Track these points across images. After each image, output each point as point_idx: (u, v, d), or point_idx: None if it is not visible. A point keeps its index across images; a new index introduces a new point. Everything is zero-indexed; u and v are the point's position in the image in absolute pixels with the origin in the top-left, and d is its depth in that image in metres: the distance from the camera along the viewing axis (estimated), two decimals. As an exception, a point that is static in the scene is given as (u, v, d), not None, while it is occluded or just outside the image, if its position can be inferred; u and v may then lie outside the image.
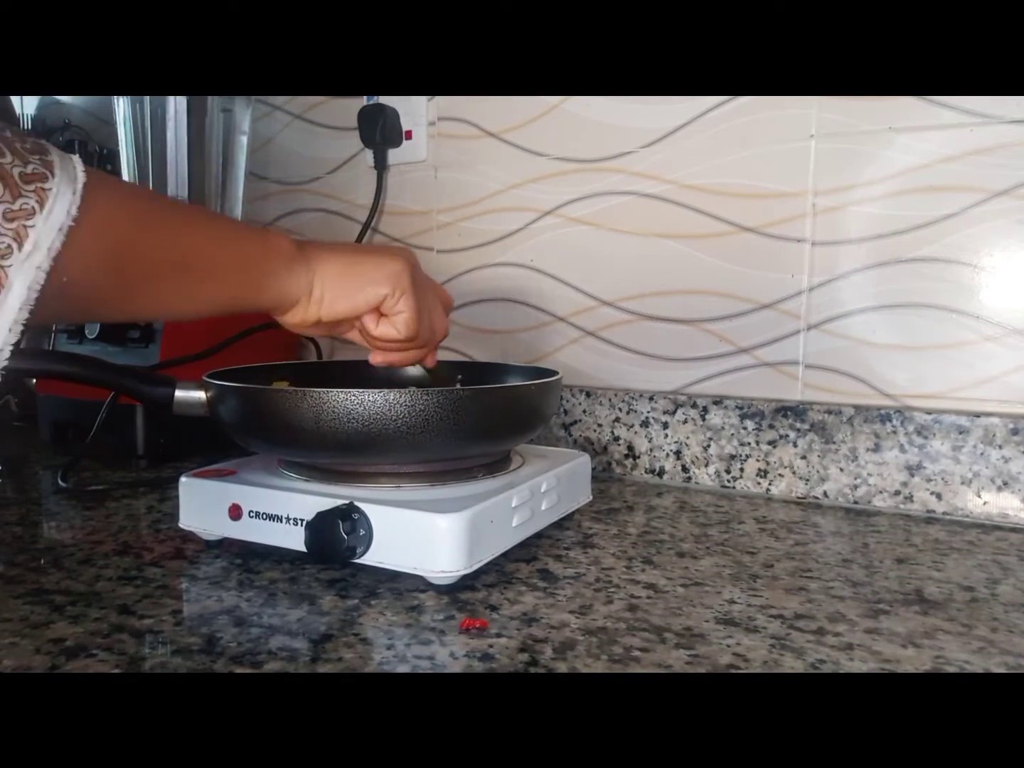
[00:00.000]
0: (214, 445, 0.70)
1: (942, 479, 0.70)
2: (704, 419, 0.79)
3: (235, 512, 0.57)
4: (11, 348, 0.35)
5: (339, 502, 0.52)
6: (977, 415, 0.69)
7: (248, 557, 0.58)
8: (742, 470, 0.78)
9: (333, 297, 0.52)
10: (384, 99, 0.94)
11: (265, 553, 0.58)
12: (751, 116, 0.77)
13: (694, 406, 0.80)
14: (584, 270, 0.87)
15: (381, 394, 0.53)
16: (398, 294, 0.53)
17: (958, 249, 0.70)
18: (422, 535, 0.51)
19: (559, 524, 0.65)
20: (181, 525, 0.60)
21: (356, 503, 0.52)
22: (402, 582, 0.53)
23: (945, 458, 0.70)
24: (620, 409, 0.84)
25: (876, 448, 0.72)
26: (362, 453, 0.55)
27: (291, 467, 0.61)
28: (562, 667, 0.42)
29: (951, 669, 0.42)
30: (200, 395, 0.60)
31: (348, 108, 0.98)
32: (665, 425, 0.81)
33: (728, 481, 0.79)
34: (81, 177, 0.36)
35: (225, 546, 0.60)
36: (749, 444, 0.78)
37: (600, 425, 0.85)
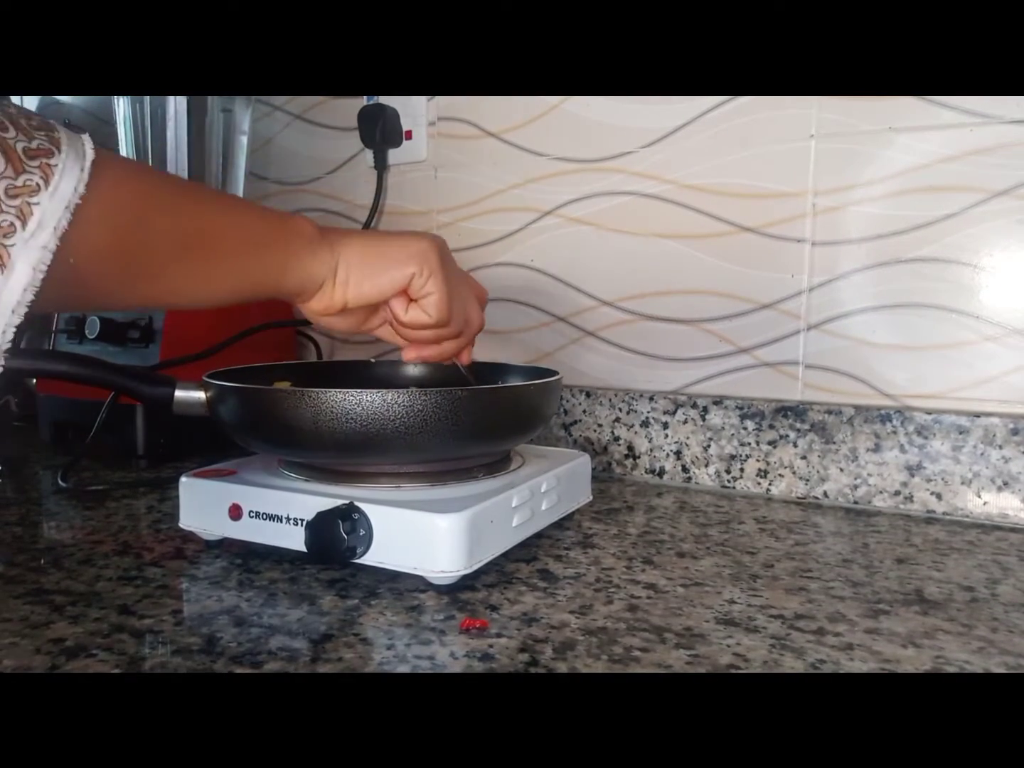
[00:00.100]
0: (214, 445, 0.70)
1: (942, 479, 0.70)
2: (704, 419, 0.79)
3: (235, 512, 0.57)
4: (14, 331, 0.34)
5: (339, 502, 0.52)
6: (977, 415, 0.69)
7: (248, 557, 0.58)
8: (742, 470, 0.78)
9: (359, 278, 0.50)
10: (384, 99, 0.94)
11: (265, 553, 0.58)
12: (751, 116, 0.77)
13: (694, 406, 0.80)
14: (584, 270, 0.87)
15: (379, 394, 0.52)
16: (426, 273, 0.51)
17: (958, 249, 0.70)
18: (422, 535, 0.51)
19: (559, 524, 0.65)
20: (181, 525, 0.60)
21: (356, 503, 0.52)
22: (402, 582, 0.53)
23: (945, 458, 0.70)
24: (620, 409, 0.84)
25: (876, 448, 0.72)
26: (361, 453, 0.55)
27: (291, 467, 0.61)
28: (562, 667, 0.42)
29: (951, 669, 0.42)
30: (200, 395, 0.60)
31: (348, 108, 0.98)
32: (665, 425, 0.81)
33: (728, 481, 0.79)
34: (90, 154, 0.35)
35: (225, 546, 0.60)
36: (749, 444, 0.78)
37: (600, 425, 0.85)
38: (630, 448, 0.83)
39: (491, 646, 0.44)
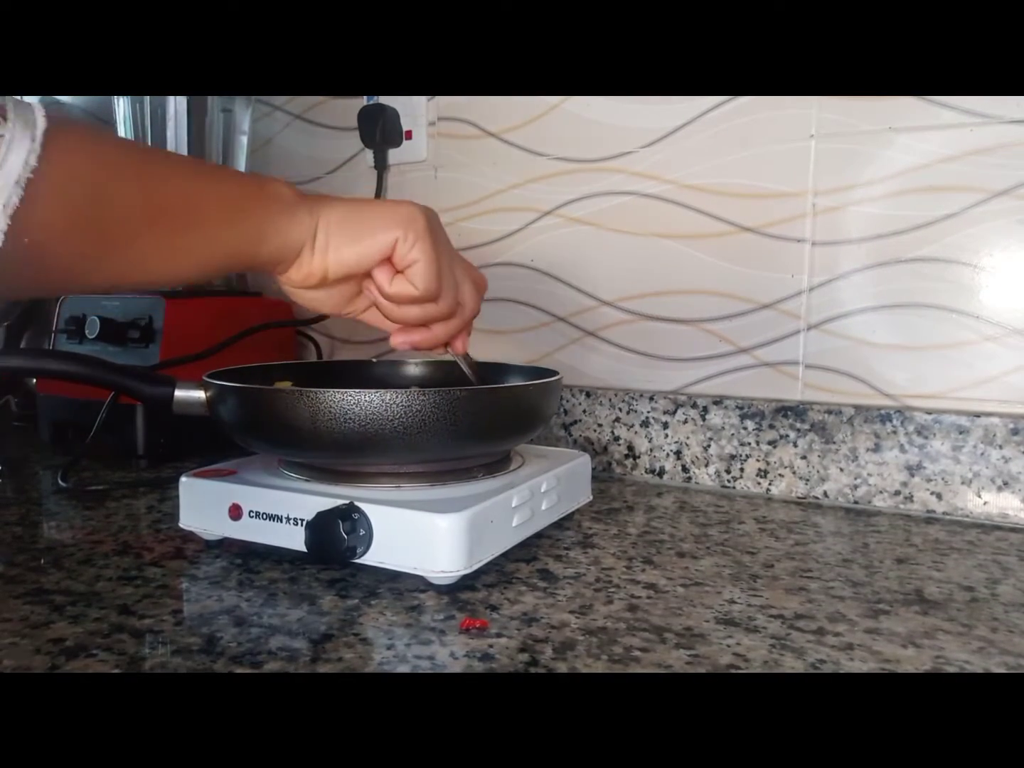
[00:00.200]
0: (214, 445, 0.70)
1: (942, 479, 0.70)
2: (704, 419, 0.79)
3: (235, 512, 0.57)
4: None
5: (339, 502, 0.52)
6: (977, 415, 0.69)
7: (248, 557, 0.58)
8: (742, 470, 0.78)
9: (339, 243, 0.47)
10: (384, 99, 0.94)
11: (265, 553, 0.58)
12: (751, 116, 0.77)
13: (694, 406, 0.80)
14: (584, 270, 0.87)
15: (377, 394, 0.52)
16: (411, 238, 0.48)
17: (958, 249, 0.70)
18: (422, 535, 0.51)
19: (559, 524, 0.65)
20: (181, 525, 0.60)
21: (356, 503, 0.52)
22: (402, 582, 0.53)
23: (945, 458, 0.70)
24: (620, 409, 0.84)
25: (876, 448, 0.72)
26: (360, 453, 0.55)
27: (291, 467, 0.61)
28: (562, 667, 0.42)
29: (951, 669, 0.42)
30: (200, 395, 0.60)
31: (348, 108, 0.98)
32: (665, 425, 0.81)
33: (728, 481, 0.79)
34: (41, 123, 0.32)
35: (225, 546, 0.60)
36: (749, 444, 0.78)
37: (600, 425, 0.85)
38: (630, 448, 0.83)
39: (491, 646, 0.44)
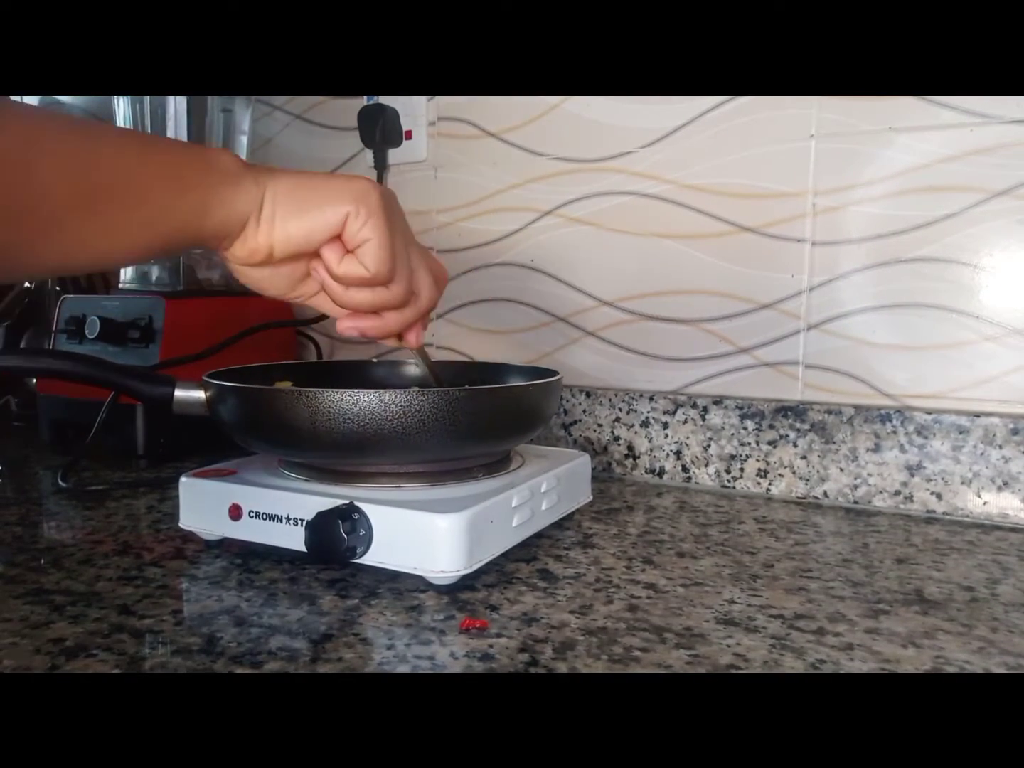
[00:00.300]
0: (214, 445, 0.70)
1: (942, 479, 0.70)
2: (704, 419, 0.79)
3: (235, 512, 0.57)
4: None
5: (339, 502, 0.52)
6: (977, 415, 0.69)
7: (248, 557, 0.58)
8: (742, 470, 0.78)
9: (286, 215, 0.44)
10: (384, 99, 0.94)
11: (265, 553, 0.58)
12: (751, 116, 0.77)
13: (694, 406, 0.80)
14: (584, 270, 0.87)
15: (377, 394, 0.52)
16: (363, 214, 0.44)
17: (958, 249, 0.70)
18: (422, 535, 0.51)
19: (559, 524, 0.65)
20: (181, 525, 0.60)
21: (356, 503, 0.52)
22: (402, 582, 0.53)
23: (945, 458, 0.70)
24: (620, 409, 0.84)
25: (876, 448, 0.72)
26: (359, 453, 0.55)
27: (291, 467, 0.61)
28: (562, 667, 0.42)
29: (951, 669, 0.42)
30: (200, 395, 0.60)
31: (348, 108, 0.98)
32: (665, 425, 0.81)
33: (728, 481, 0.79)
34: None
35: (225, 546, 0.60)
36: (749, 444, 0.78)
37: (600, 425, 0.85)
38: (630, 448, 0.83)
39: (491, 646, 0.44)
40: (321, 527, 0.52)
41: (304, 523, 0.53)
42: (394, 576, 0.53)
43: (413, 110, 0.94)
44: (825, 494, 0.75)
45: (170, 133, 0.92)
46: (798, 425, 0.75)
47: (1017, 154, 0.67)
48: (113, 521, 0.67)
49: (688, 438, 0.80)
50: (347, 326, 0.49)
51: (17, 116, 0.35)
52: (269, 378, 0.68)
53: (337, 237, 0.45)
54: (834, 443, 0.74)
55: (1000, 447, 0.68)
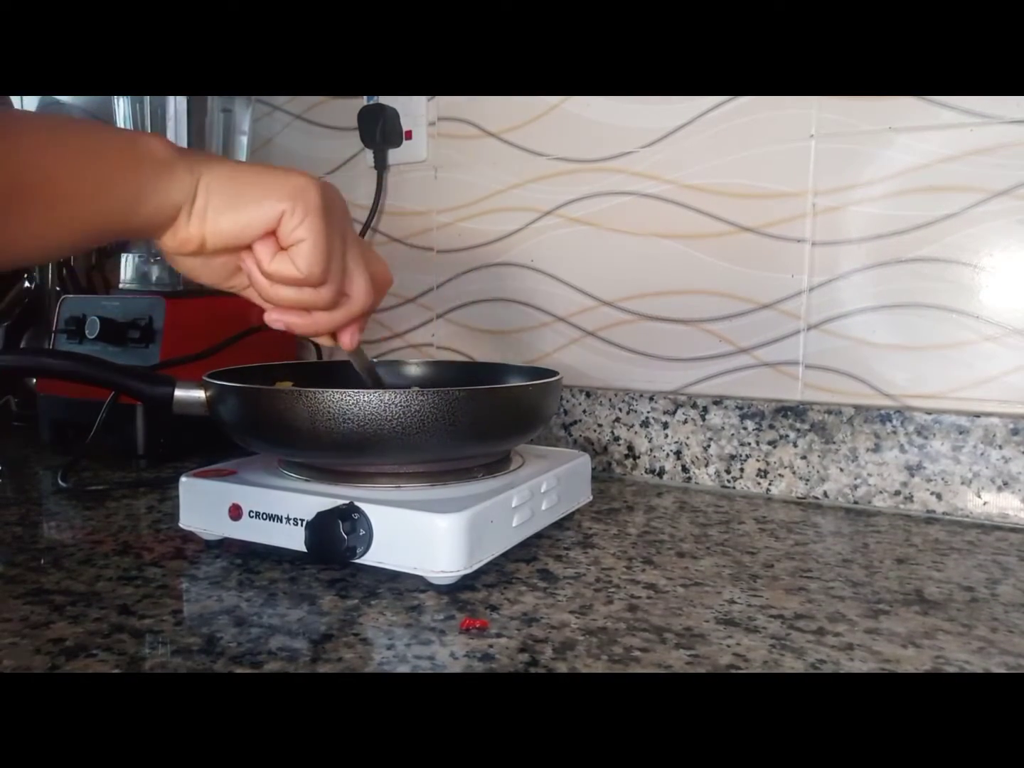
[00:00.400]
0: (214, 445, 0.70)
1: (942, 479, 0.70)
2: (704, 419, 0.79)
3: (235, 512, 0.57)
4: None
5: (339, 502, 0.52)
6: (977, 415, 0.69)
7: (248, 557, 0.58)
8: (742, 470, 0.78)
9: (219, 208, 0.42)
10: (384, 99, 0.94)
11: (265, 553, 0.58)
12: (751, 116, 0.77)
13: (694, 406, 0.80)
14: (584, 270, 0.87)
15: (376, 394, 0.52)
16: (300, 213, 0.42)
17: (958, 249, 0.70)
18: (422, 535, 0.51)
19: (559, 524, 0.65)
20: (181, 525, 0.60)
21: (356, 503, 0.52)
22: (402, 582, 0.53)
23: (945, 458, 0.70)
24: (620, 409, 0.84)
25: (876, 448, 0.72)
26: (359, 453, 0.55)
27: (291, 467, 0.61)
28: (562, 667, 0.42)
29: (951, 669, 0.42)
30: (200, 395, 0.60)
31: (348, 108, 0.98)
32: (665, 425, 0.81)
33: (728, 481, 0.79)
34: None
35: (225, 546, 0.60)
36: (749, 444, 0.78)
37: (600, 425, 0.85)
38: (630, 448, 0.83)
39: (491, 646, 0.44)
40: (321, 527, 0.52)
41: (304, 523, 0.53)
42: (394, 576, 0.53)
43: (413, 110, 0.94)
44: (825, 494, 0.75)
45: (170, 133, 0.92)
46: (798, 425, 0.75)
47: (1017, 154, 0.67)
48: (113, 521, 0.67)
49: (688, 438, 0.80)
50: (274, 319, 0.47)
51: None
52: (269, 378, 0.68)
53: (272, 233, 0.44)
54: (834, 443, 0.74)
55: (1000, 447, 0.68)
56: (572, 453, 0.69)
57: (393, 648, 0.44)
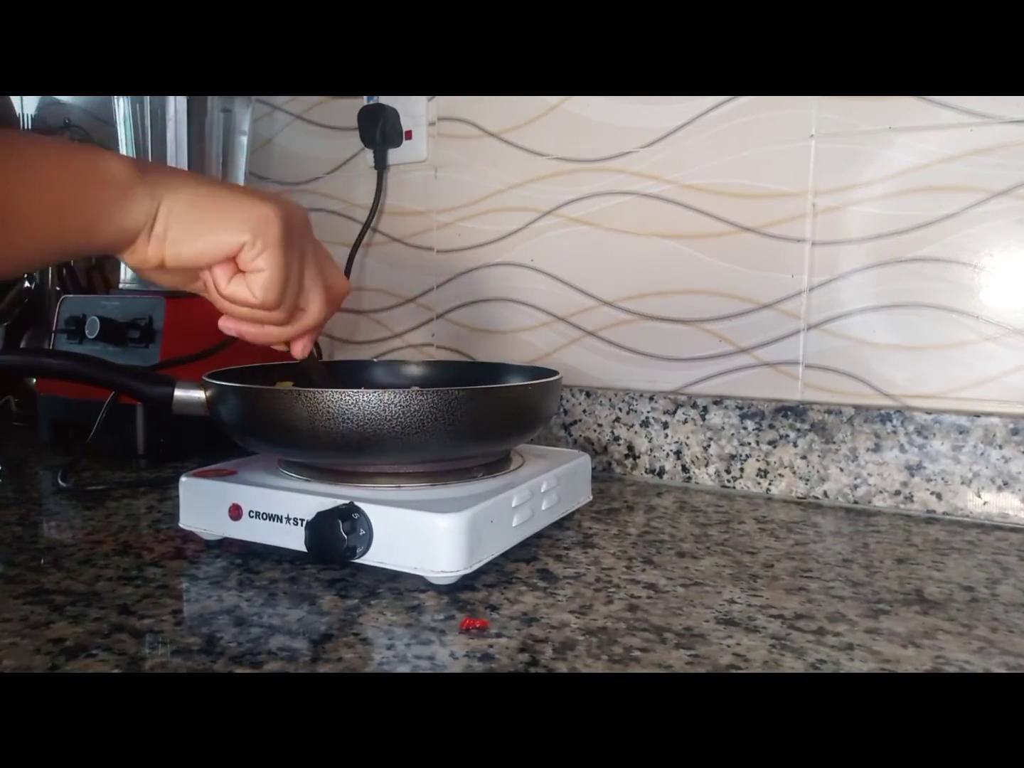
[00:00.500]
0: (214, 445, 0.70)
1: (942, 479, 0.70)
2: (704, 419, 0.79)
3: (235, 512, 0.57)
4: None
5: (339, 502, 0.52)
6: (977, 415, 0.69)
7: (248, 557, 0.58)
8: (742, 470, 0.78)
9: (178, 235, 0.42)
10: (384, 99, 0.94)
11: (265, 553, 0.58)
12: (751, 116, 0.77)
13: (694, 406, 0.80)
14: (584, 270, 0.87)
15: (376, 394, 0.52)
16: (260, 246, 0.43)
17: (958, 249, 0.70)
18: (422, 535, 0.51)
19: (559, 524, 0.65)
20: (181, 525, 0.60)
21: (356, 503, 0.52)
22: (402, 582, 0.53)
23: (945, 458, 0.70)
24: (620, 409, 0.84)
25: (876, 448, 0.72)
26: (358, 453, 0.55)
27: (291, 467, 0.61)
28: (562, 667, 0.42)
29: (951, 669, 0.42)
30: (200, 395, 0.60)
31: (348, 108, 0.98)
32: (665, 425, 0.81)
33: (728, 481, 0.79)
34: None
35: (225, 546, 0.60)
36: (749, 444, 0.78)
37: (600, 425, 0.85)
38: (630, 448, 0.83)
39: (491, 646, 0.44)
40: (321, 527, 0.52)
41: (304, 523, 0.53)
42: (394, 576, 0.53)
43: (413, 110, 0.94)
44: (825, 494, 0.75)
45: (170, 133, 0.92)
46: (798, 425, 0.75)
47: (1017, 154, 0.67)
48: (113, 521, 0.67)
49: (688, 438, 0.80)
50: (228, 325, 0.48)
51: None
52: (269, 378, 0.68)
53: (231, 258, 0.44)
54: (834, 443, 0.74)
55: (1000, 447, 0.68)
56: (572, 453, 0.69)
57: (393, 648, 0.44)
